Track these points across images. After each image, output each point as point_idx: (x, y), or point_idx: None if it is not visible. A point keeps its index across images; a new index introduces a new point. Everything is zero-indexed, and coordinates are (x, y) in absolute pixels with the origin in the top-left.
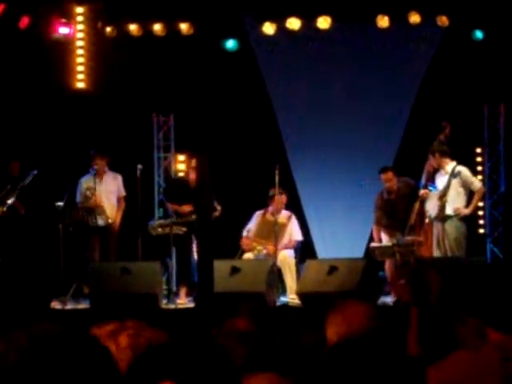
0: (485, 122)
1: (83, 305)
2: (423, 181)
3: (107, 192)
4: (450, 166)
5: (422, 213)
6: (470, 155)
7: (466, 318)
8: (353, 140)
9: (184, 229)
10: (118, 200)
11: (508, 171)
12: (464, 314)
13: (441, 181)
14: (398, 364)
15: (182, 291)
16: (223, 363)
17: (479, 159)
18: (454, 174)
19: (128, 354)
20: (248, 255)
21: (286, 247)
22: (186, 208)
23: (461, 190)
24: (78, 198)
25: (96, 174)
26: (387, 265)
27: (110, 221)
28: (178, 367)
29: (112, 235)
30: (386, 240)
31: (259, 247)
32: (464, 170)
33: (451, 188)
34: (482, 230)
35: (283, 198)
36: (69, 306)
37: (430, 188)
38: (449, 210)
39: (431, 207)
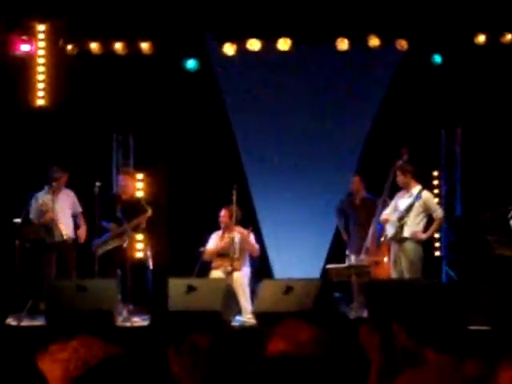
0: (442, 145)
1: (39, 321)
2: (381, 202)
3: (63, 208)
4: (416, 188)
5: (379, 234)
6: (427, 178)
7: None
8: (312, 162)
9: (125, 244)
10: (77, 216)
11: (464, 195)
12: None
13: (403, 201)
14: None
15: (125, 311)
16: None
17: (436, 182)
18: (418, 198)
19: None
20: (216, 273)
21: (247, 261)
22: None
23: (421, 214)
24: (33, 214)
25: (53, 191)
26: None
27: (65, 237)
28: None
29: (70, 251)
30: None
31: (225, 264)
32: (429, 197)
33: (412, 211)
34: (437, 253)
35: (234, 212)
36: (24, 323)
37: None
38: (406, 233)
39: (389, 228)
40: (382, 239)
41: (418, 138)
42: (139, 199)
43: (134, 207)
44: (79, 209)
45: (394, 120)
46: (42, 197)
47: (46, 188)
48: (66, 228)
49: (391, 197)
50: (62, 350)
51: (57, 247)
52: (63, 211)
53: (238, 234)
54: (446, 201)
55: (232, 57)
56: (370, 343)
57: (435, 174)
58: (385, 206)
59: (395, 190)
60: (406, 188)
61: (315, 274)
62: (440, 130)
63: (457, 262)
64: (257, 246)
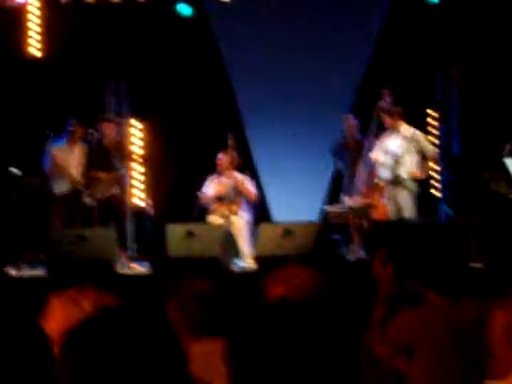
0: (437, 84)
1: (39, 271)
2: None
3: (75, 161)
4: (405, 129)
5: (370, 176)
6: (423, 117)
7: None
8: (308, 105)
9: (115, 191)
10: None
11: (461, 133)
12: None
13: (393, 142)
14: (331, 332)
15: (122, 259)
16: (165, 332)
17: (432, 121)
18: (409, 138)
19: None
20: (214, 218)
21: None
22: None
23: (416, 154)
24: (48, 165)
25: (68, 143)
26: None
27: (76, 186)
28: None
29: (76, 202)
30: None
31: (222, 209)
32: (419, 134)
33: (406, 152)
34: (435, 192)
35: (231, 157)
36: (24, 272)
37: None
38: (403, 173)
39: (382, 170)
40: (376, 181)
41: (414, 78)
42: (126, 145)
43: (121, 154)
44: None
45: (390, 60)
46: (57, 149)
47: (64, 139)
48: (76, 181)
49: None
50: (63, 300)
51: (65, 198)
52: (75, 164)
53: (234, 178)
54: (443, 140)
55: (227, 3)
56: (383, 273)
57: (431, 112)
58: (371, 146)
59: (382, 131)
60: (394, 129)
61: (314, 217)
62: (436, 70)
63: (455, 201)
64: (254, 191)
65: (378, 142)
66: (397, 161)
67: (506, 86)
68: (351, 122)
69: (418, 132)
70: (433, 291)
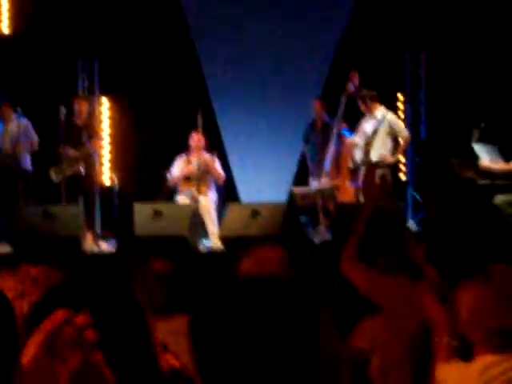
0: (406, 69)
1: (4, 248)
2: (336, 126)
3: (13, 137)
4: (379, 111)
5: (337, 158)
6: (392, 101)
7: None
8: (277, 86)
9: (82, 168)
10: (33, 145)
11: (429, 118)
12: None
13: (368, 126)
14: (303, 311)
15: (89, 237)
16: (133, 307)
17: (400, 105)
18: (383, 121)
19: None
20: (182, 197)
21: (213, 187)
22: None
23: (388, 137)
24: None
25: (4, 121)
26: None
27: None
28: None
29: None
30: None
31: (190, 188)
32: (393, 118)
33: (378, 134)
34: (403, 176)
35: (201, 137)
36: None
37: (343, 133)
38: (374, 157)
39: (357, 152)
40: (350, 165)
41: (383, 62)
42: (94, 124)
43: (90, 132)
44: (34, 137)
45: (359, 44)
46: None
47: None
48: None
49: (351, 121)
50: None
51: (17, 175)
52: (14, 140)
53: (203, 158)
54: (410, 124)
55: None
56: (415, 251)
57: (400, 97)
58: (339, 129)
59: (350, 114)
60: (369, 112)
61: (282, 198)
62: (404, 54)
63: (422, 185)
64: (222, 174)
65: (358, 127)
66: (368, 143)
67: (474, 72)
68: (320, 104)
69: (392, 115)
70: (433, 269)
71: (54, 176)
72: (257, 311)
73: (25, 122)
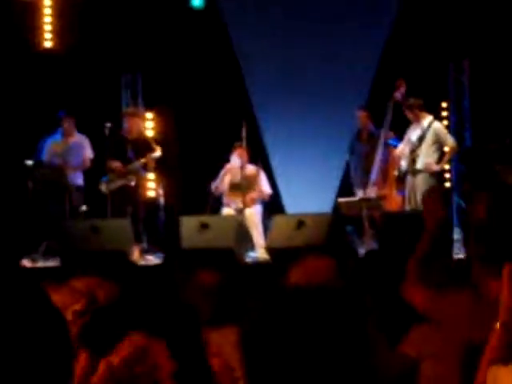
0: (450, 77)
1: (53, 262)
2: (383, 136)
3: (72, 152)
4: (426, 120)
5: (384, 168)
6: (436, 110)
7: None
8: (321, 97)
9: (132, 182)
10: (85, 161)
11: (473, 125)
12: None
13: (415, 134)
14: (351, 321)
15: (136, 250)
16: (188, 316)
17: (445, 114)
18: (428, 129)
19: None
20: (226, 210)
21: (258, 200)
22: (114, 164)
23: (433, 145)
24: (45, 157)
25: (64, 135)
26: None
27: (70, 182)
28: (143, 320)
29: (77, 195)
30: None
31: (237, 199)
32: (440, 127)
33: (424, 142)
34: (448, 184)
35: (245, 150)
36: (39, 264)
37: (390, 142)
38: (419, 165)
39: (403, 161)
40: (396, 173)
41: (426, 70)
42: (147, 138)
43: (141, 147)
44: (91, 155)
45: (402, 53)
46: (54, 140)
47: (59, 132)
48: (72, 173)
49: (397, 130)
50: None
51: (67, 190)
52: (72, 155)
53: (249, 170)
54: (455, 132)
55: None
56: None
57: (444, 105)
58: (386, 138)
59: (396, 122)
60: (416, 121)
61: (326, 208)
62: (448, 62)
63: (466, 193)
64: (268, 189)
65: (405, 136)
66: (414, 151)
67: None
68: (365, 114)
69: (438, 123)
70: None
71: (103, 187)
72: (307, 321)
73: (83, 138)
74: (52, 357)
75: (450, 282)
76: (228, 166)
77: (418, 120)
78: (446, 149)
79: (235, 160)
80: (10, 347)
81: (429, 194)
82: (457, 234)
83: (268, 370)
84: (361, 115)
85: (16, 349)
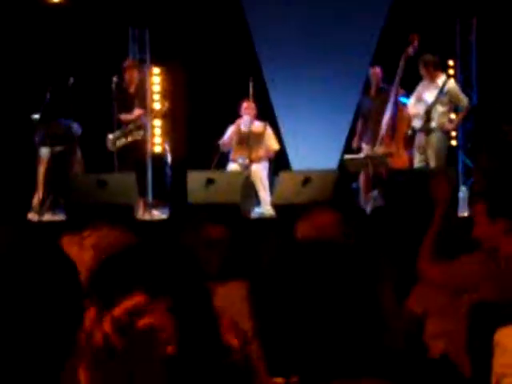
0: (457, 35)
1: (59, 216)
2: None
3: None
4: (441, 79)
5: (392, 125)
6: (443, 67)
7: None
8: (327, 54)
9: (141, 133)
10: None
11: (480, 84)
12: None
13: (429, 93)
14: (363, 271)
15: (141, 205)
16: (193, 268)
17: (452, 72)
18: (443, 89)
19: (90, 254)
20: (233, 166)
21: (265, 157)
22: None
23: (448, 105)
24: None
25: None
26: (361, 176)
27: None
28: (146, 272)
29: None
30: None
31: (243, 153)
32: (454, 86)
33: (439, 102)
34: (454, 142)
35: (252, 105)
36: (45, 218)
37: (401, 99)
38: (434, 124)
39: (415, 120)
40: (410, 132)
41: (433, 27)
42: (146, 91)
43: (141, 99)
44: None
45: (409, 10)
46: None
47: None
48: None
49: (407, 86)
50: (91, 236)
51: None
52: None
53: (255, 126)
54: (462, 90)
55: None
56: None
57: (451, 63)
58: (397, 95)
59: (407, 78)
60: (429, 79)
61: (333, 165)
62: (455, 20)
63: (473, 151)
64: (275, 145)
65: (415, 92)
66: (429, 111)
67: None
68: (378, 71)
69: (452, 83)
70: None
71: (110, 144)
72: (318, 274)
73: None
74: (62, 303)
75: (462, 252)
76: (236, 121)
77: (431, 78)
78: (461, 108)
79: (244, 116)
80: (22, 293)
81: (437, 179)
82: (462, 193)
83: (278, 322)
84: (375, 71)
85: (27, 295)
